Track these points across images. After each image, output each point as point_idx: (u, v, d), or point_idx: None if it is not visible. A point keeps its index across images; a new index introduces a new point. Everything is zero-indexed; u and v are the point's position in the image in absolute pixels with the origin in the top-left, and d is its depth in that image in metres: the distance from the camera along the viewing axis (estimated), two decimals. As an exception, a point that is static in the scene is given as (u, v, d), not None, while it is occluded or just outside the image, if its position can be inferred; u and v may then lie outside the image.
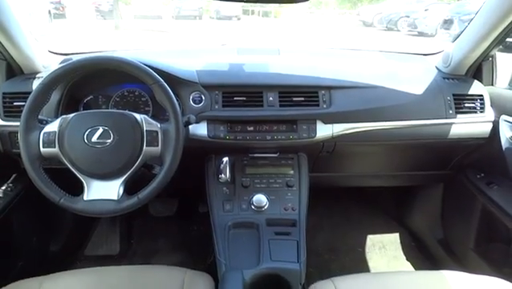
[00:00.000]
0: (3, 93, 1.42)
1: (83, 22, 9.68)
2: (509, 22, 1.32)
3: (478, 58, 1.55)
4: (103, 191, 1.12)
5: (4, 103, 1.42)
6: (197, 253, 2.03)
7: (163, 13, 19.17)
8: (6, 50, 1.40)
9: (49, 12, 10.84)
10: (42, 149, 1.10)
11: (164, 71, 1.33)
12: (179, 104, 1.20)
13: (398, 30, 14.64)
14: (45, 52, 1.60)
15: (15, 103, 1.41)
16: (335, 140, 1.44)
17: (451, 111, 1.48)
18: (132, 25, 13.35)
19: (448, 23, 10.78)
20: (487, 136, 1.53)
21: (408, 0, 17.45)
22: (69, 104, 1.43)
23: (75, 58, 1.63)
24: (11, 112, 1.41)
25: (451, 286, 1.10)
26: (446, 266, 1.67)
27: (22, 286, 1.10)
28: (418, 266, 1.99)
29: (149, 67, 1.17)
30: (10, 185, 1.56)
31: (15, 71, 1.50)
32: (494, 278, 1.14)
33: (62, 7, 14.91)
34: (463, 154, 1.68)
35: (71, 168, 1.11)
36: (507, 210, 1.45)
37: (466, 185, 1.73)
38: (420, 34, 12.72)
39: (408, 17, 14.53)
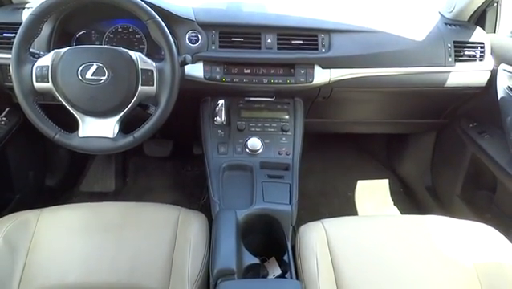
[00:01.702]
0: None
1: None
2: None
3: (483, 3, 1.50)
4: (99, 129, 1.12)
5: None
6: (191, 193, 2.09)
7: None
8: None
9: None
10: (35, 84, 1.08)
11: (160, 7, 1.28)
12: (175, 43, 1.16)
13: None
14: None
15: (5, 34, 1.36)
16: (331, 85, 1.43)
17: (450, 59, 1.46)
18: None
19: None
20: (484, 85, 1.52)
21: None
22: (61, 38, 1.38)
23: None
24: (1, 44, 1.36)
25: (435, 229, 1.15)
26: (432, 212, 1.74)
27: (20, 217, 1.13)
28: (405, 212, 2.08)
29: (144, 1, 1.12)
30: (4, 118, 1.55)
31: (3, 0, 1.43)
32: (477, 223, 1.19)
33: None
34: (458, 103, 1.68)
35: (65, 104, 1.10)
36: (495, 159, 1.49)
37: (458, 134, 1.75)
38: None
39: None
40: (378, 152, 2.40)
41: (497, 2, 1.56)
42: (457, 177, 1.79)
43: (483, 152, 1.56)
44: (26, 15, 1.31)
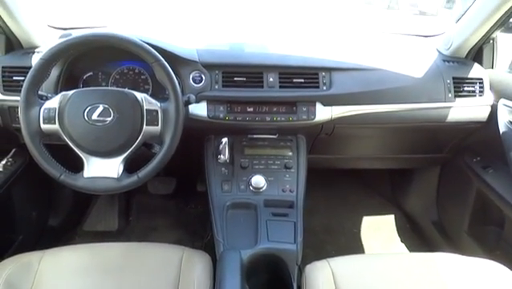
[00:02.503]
0: (2, 67, 1.41)
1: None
2: (510, 5, 1.31)
3: (479, 40, 1.54)
4: (104, 169, 1.13)
5: (3, 77, 1.41)
6: (195, 231, 2.06)
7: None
8: (6, 24, 1.38)
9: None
10: (42, 125, 1.10)
11: (165, 50, 1.31)
12: (179, 83, 1.19)
13: (399, 9, 14.42)
14: (44, 26, 1.58)
15: (15, 78, 1.40)
16: (333, 122, 1.44)
17: (450, 95, 1.48)
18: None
19: (450, 2, 10.62)
20: (485, 119, 1.53)
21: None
22: (68, 80, 1.42)
23: (75, 33, 1.62)
24: (11, 87, 1.40)
25: (444, 268, 1.13)
26: (440, 248, 1.71)
27: (22, 259, 1.12)
28: (412, 248, 2.03)
29: (150, 44, 1.16)
30: (10, 159, 1.57)
31: (14, 45, 1.48)
32: (486, 261, 1.16)
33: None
34: (460, 138, 1.69)
35: (71, 145, 1.12)
36: (501, 194, 1.47)
37: (462, 169, 1.74)
38: (422, 12, 12.53)
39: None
40: (382, 187, 2.39)
41: (493, 39, 1.60)
42: (463, 212, 1.76)
43: (489, 187, 1.55)
44: (35, 59, 1.36)
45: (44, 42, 1.51)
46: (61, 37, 1.58)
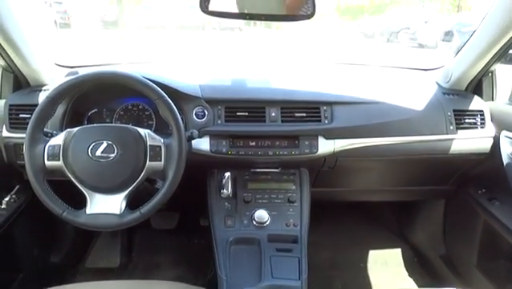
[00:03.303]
0: (10, 105, 1.43)
1: (89, 32, 9.79)
2: (508, 38, 1.34)
3: (478, 73, 1.56)
4: (106, 205, 1.13)
5: (10, 114, 1.43)
6: (198, 267, 2.02)
7: (167, 23, 19.35)
8: (14, 64, 1.42)
9: (55, 22, 10.96)
10: (46, 162, 1.11)
11: (168, 86, 1.34)
12: (182, 119, 1.21)
13: (399, 42, 14.72)
14: (51, 65, 1.62)
15: (21, 115, 1.42)
16: (336, 155, 1.44)
17: (452, 127, 1.49)
18: (137, 34, 13.46)
19: (448, 35, 10.86)
20: (488, 151, 1.53)
21: (408, 12, 17.65)
22: (73, 117, 1.44)
23: (81, 71, 1.66)
24: (17, 124, 1.42)
25: None
26: (449, 283, 1.66)
27: None
28: (421, 283, 1.98)
29: (153, 81, 1.18)
30: (14, 196, 1.57)
31: (22, 83, 1.52)
32: None
33: (67, 17, 15.07)
34: (464, 169, 1.68)
35: (74, 181, 1.12)
36: (509, 227, 1.45)
37: (468, 201, 1.72)
38: (421, 46, 12.80)
39: (408, 29, 14.64)
40: (388, 220, 2.35)
41: (491, 72, 1.62)
42: (471, 246, 1.73)
43: (496, 219, 1.52)
44: (42, 97, 1.39)
45: (51, 79, 1.55)
46: (67, 75, 1.63)
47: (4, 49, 1.34)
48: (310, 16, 1.17)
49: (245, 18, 1.21)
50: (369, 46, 13.55)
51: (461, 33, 9.99)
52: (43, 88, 1.50)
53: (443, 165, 1.63)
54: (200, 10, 1.22)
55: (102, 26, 11.16)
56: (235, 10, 1.18)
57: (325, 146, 1.42)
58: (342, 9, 25.95)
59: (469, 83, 1.61)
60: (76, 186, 1.13)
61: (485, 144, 1.53)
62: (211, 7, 1.18)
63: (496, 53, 1.43)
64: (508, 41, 1.35)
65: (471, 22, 10.59)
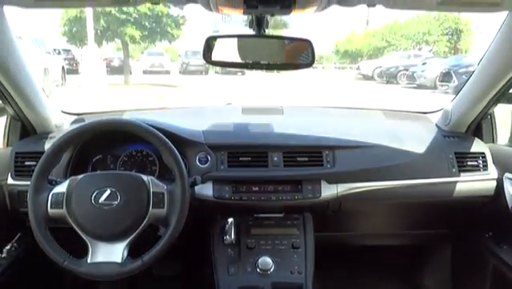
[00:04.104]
0: (16, 153, 1.46)
1: (95, 78, 10.10)
2: (505, 81, 1.37)
3: (477, 116, 1.58)
4: (108, 253, 1.12)
5: (16, 162, 1.45)
6: (201, 317, 1.96)
7: (171, 68, 19.95)
8: (22, 112, 1.46)
9: (62, 68, 11.31)
10: (49, 210, 1.12)
11: (171, 132, 1.36)
12: (185, 164, 1.22)
13: (397, 83, 15.03)
14: (58, 112, 1.65)
15: (26, 163, 1.44)
16: (339, 199, 1.44)
17: (454, 170, 1.49)
18: (141, 80, 13.84)
19: (446, 76, 11.11)
20: (492, 194, 1.52)
21: (406, 54, 18.16)
22: (78, 164, 1.46)
23: (87, 118, 1.70)
24: (22, 172, 1.44)
25: None
26: None
27: None
28: None
29: (157, 128, 1.21)
30: (15, 244, 1.55)
31: (29, 130, 1.55)
32: None
33: (75, 63, 15.60)
34: (469, 212, 1.66)
35: (76, 229, 1.12)
36: None
37: (475, 245, 1.69)
38: (419, 86, 13.05)
39: (406, 70, 15.02)
40: (395, 265, 2.29)
41: (490, 115, 1.64)
42: None
43: (505, 265, 1.48)
44: (48, 145, 1.41)
45: (57, 127, 1.58)
46: (73, 122, 1.67)
47: (13, 99, 1.38)
48: (309, 64, 1.21)
49: (246, 68, 1.26)
50: (369, 88, 13.81)
51: (458, 74, 10.23)
52: (49, 136, 1.53)
53: (447, 209, 1.62)
54: (203, 59, 1.26)
55: (108, 72, 11.51)
56: (237, 59, 1.22)
57: (328, 190, 1.42)
58: (341, 52, 26.74)
59: (469, 126, 1.63)
60: (78, 234, 1.12)
61: (488, 187, 1.52)
62: (214, 57, 1.22)
63: (494, 95, 1.45)
64: (505, 84, 1.38)
65: (468, 62, 10.88)
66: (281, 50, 1.22)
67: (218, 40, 1.20)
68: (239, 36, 1.20)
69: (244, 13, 1.01)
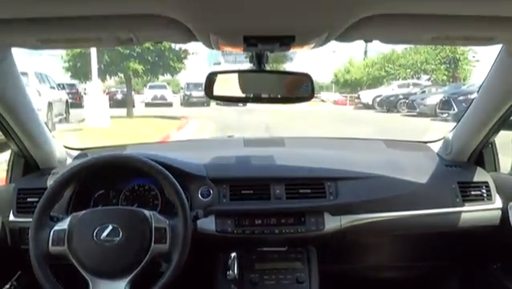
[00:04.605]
0: (18, 189, 1.46)
1: (98, 112, 10.24)
2: (503, 112, 1.38)
3: (478, 145, 1.58)
4: None
5: (18, 198, 1.45)
6: None
7: (173, 100, 20.22)
8: (26, 148, 1.47)
9: (66, 102, 11.49)
10: (50, 247, 1.11)
11: (173, 167, 1.37)
12: (187, 198, 1.22)
13: (398, 112, 15.14)
14: (61, 147, 1.67)
15: (29, 199, 1.44)
16: (343, 231, 1.42)
17: (458, 200, 1.48)
18: (143, 112, 14.01)
19: (446, 104, 11.23)
20: (497, 223, 1.50)
21: (405, 83, 18.42)
22: (80, 199, 1.45)
23: (90, 152, 1.71)
24: (24, 208, 1.43)
25: None
26: None
27: None
28: None
29: (159, 162, 1.21)
30: (15, 282, 1.53)
31: (32, 166, 1.56)
32: None
33: (79, 97, 15.86)
34: (475, 243, 1.63)
35: (77, 266, 1.10)
36: None
37: (483, 276, 1.65)
38: (420, 114, 13.15)
39: (406, 99, 15.17)
40: None
41: (491, 143, 1.64)
42: None
43: None
44: (50, 181, 1.41)
45: (60, 162, 1.59)
46: (76, 157, 1.68)
47: (18, 136, 1.40)
48: (309, 98, 1.23)
49: (247, 102, 1.28)
50: (370, 116, 13.89)
51: (457, 101, 10.34)
52: (52, 171, 1.53)
53: (453, 239, 1.59)
54: (205, 94, 1.28)
55: (112, 105, 11.68)
56: (238, 94, 1.24)
57: (331, 222, 1.41)
58: (340, 82, 27.10)
59: (471, 155, 1.63)
60: (79, 271, 1.11)
61: (493, 217, 1.50)
62: (215, 92, 1.24)
63: (493, 125, 1.46)
64: (504, 113, 1.39)
65: (467, 91, 11.03)
66: (281, 85, 1.24)
67: (219, 76, 1.22)
68: (240, 71, 1.23)
69: (244, 50, 1.03)
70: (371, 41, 1.08)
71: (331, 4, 0.74)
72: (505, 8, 0.79)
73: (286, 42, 0.92)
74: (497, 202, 1.51)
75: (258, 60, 1.14)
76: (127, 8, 0.79)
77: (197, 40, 0.98)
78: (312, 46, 1.01)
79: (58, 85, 11.77)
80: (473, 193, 1.51)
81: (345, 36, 0.94)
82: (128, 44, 1.03)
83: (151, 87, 20.02)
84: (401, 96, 15.81)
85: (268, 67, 1.17)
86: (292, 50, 1.04)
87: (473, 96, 1.54)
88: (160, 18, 0.80)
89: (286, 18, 0.81)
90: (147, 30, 0.93)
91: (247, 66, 1.21)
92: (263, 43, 0.94)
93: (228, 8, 0.76)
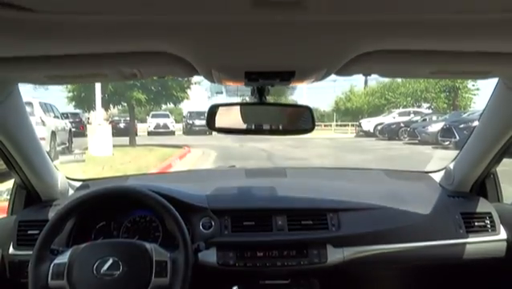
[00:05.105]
0: (19, 222, 1.45)
1: (101, 140, 10.32)
2: (503, 143, 1.38)
3: (480, 175, 1.58)
4: None
5: (19, 231, 1.44)
6: None
7: (175, 128, 20.40)
8: (29, 180, 1.48)
9: (70, 131, 11.60)
10: (50, 282, 1.10)
11: (175, 198, 1.37)
12: (188, 230, 1.21)
13: (400, 140, 15.18)
14: (63, 179, 1.67)
15: (29, 232, 1.43)
16: (346, 263, 1.40)
17: (461, 231, 1.46)
18: (146, 141, 14.08)
19: (447, 132, 11.27)
20: (503, 255, 1.48)
21: (406, 111, 18.58)
22: (81, 232, 1.44)
23: (92, 184, 1.71)
24: (24, 241, 1.42)
25: None
26: None
27: None
28: None
29: (160, 193, 1.22)
30: None
31: (34, 198, 1.56)
32: None
33: (82, 126, 16.01)
34: (481, 275, 1.60)
35: None
36: None
37: None
38: (421, 142, 13.17)
39: (407, 127, 15.25)
40: None
41: (493, 174, 1.64)
42: None
43: None
44: (52, 213, 1.41)
45: (62, 194, 1.58)
46: (78, 189, 1.68)
47: (21, 168, 1.41)
48: (310, 130, 1.24)
49: (249, 134, 1.29)
50: (372, 145, 13.92)
51: (459, 129, 10.38)
52: (54, 203, 1.53)
53: (458, 272, 1.57)
54: (207, 127, 1.30)
55: (114, 134, 11.77)
56: (240, 126, 1.26)
57: (334, 254, 1.39)
58: (341, 110, 27.33)
59: (473, 185, 1.62)
60: None
61: (498, 248, 1.48)
62: (217, 124, 1.26)
63: (494, 155, 1.46)
64: (505, 144, 1.40)
65: (467, 119, 11.09)
66: (282, 117, 1.26)
67: (221, 108, 1.24)
68: (241, 104, 1.25)
69: (245, 85, 1.06)
70: (369, 74, 1.10)
71: (330, 41, 0.77)
72: (500, 44, 0.81)
73: (287, 77, 0.95)
74: (502, 234, 1.49)
75: (259, 93, 1.16)
76: (131, 46, 0.81)
77: (199, 75, 1.01)
78: (312, 80, 1.04)
79: (62, 114, 11.91)
80: (476, 224, 1.49)
81: (344, 71, 0.96)
82: (132, 79, 1.06)
83: (153, 116, 20.24)
84: (402, 124, 15.90)
85: (270, 98, 1.19)
86: (293, 84, 1.07)
87: (474, 124, 1.55)
88: (164, 54, 0.83)
89: (287, 55, 0.83)
90: (151, 66, 0.96)
91: (249, 94, 1.23)
92: (264, 78, 0.96)
93: (229, 46, 0.78)
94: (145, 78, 1.08)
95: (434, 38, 0.76)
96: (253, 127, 1.27)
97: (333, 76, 1.02)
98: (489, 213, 1.53)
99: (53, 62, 0.85)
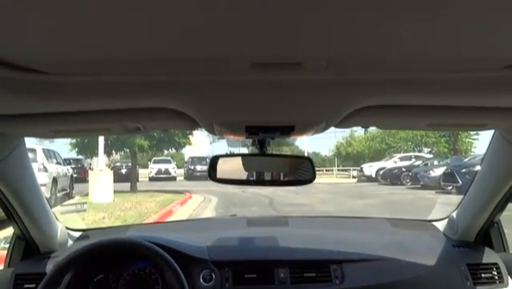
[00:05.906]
0: (16, 274, 1.42)
1: (103, 187, 10.31)
2: (504, 192, 1.38)
3: (484, 224, 1.55)
4: None
5: (15, 285, 1.40)
6: None
7: (176, 174, 20.39)
8: (28, 232, 1.46)
9: (71, 177, 11.60)
10: None
11: (175, 250, 1.35)
12: (188, 284, 1.19)
13: (402, 184, 15.10)
14: (62, 229, 1.65)
15: (26, 286, 1.39)
16: None
17: (468, 283, 1.42)
18: (147, 187, 14.03)
19: (449, 176, 11.24)
20: None
21: (407, 156, 18.64)
22: (78, 284, 1.41)
23: (91, 234, 1.69)
24: None
25: None
26: None
27: None
28: None
29: (160, 245, 1.20)
30: None
31: (32, 249, 1.53)
32: None
33: (83, 172, 16.03)
34: None
35: None
36: None
37: None
38: (424, 187, 13.09)
39: (409, 172, 15.22)
40: None
41: (497, 223, 1.62)
42: None
43: None
44: (50, 266, 1.39)
45: (61, 245, 1.56)
46: (78, 239, 1.66)
47: (21, 218, 1.40)
48: (310, 181, 1.25)
49: (250, 184, 1.30)
50: (374, 189, 13.84)
51: (461, 174, 10.37)
52: (52, 255, 1.50)
53: None
54: (209, 177, 1.31)
55: (116, 180, 11.76)
56: (241, 176, 1.27)
57: None
58: (343, 155, 27.43)
59: (477, 234, 1.60)
60: None
61: None
62: (219, 175, 1.27)
63: (496, 205, 1.45)
64: (506, 193, 1.39)
65: (469, 163, 11.10)
66: (283, 168, 1.27)
67: (222, 159, 1.26)
68: (242, 155, 1.27)
69: (246, 138, 1.08)
70: (368, 127, 1.13)
71: (329, 98, 0.80)
72: (495, 99, 0.84)
73: (286, 131, 0.97)
74: (510, 285, 1.45)
75: (260, 145, 1.19)
76: (135, 103, 0.85)
77: (201, 128, 1.04)
78: (312, 133, 1.06)
79: (65, 160, 11.97)
80: (483, 275, 1.46)
81: (342, 123, 0.99)
82: (135, 132, 1.09)
83: (155, 162, 20.30)
84: (404, 169, 15.90)
85: (273, 145, 1.21)
86: (293, 137, 1.09)
87: (475, 168, 1.55)
88: (167, 110, 0.86)
89: (286, 110, 0.86)
90: (154, 121, 0.99)
91: (250, 141, 1.26)
92: (264, 132, 0.99)
93: (230, 103, 0.81)
94: (148, 131, 1.11)
95: (431, 95, 0.79)
96: (254, 178, 1.29)
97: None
98: (496, 263, 1.49)
99: (58, 118, 0.88)
